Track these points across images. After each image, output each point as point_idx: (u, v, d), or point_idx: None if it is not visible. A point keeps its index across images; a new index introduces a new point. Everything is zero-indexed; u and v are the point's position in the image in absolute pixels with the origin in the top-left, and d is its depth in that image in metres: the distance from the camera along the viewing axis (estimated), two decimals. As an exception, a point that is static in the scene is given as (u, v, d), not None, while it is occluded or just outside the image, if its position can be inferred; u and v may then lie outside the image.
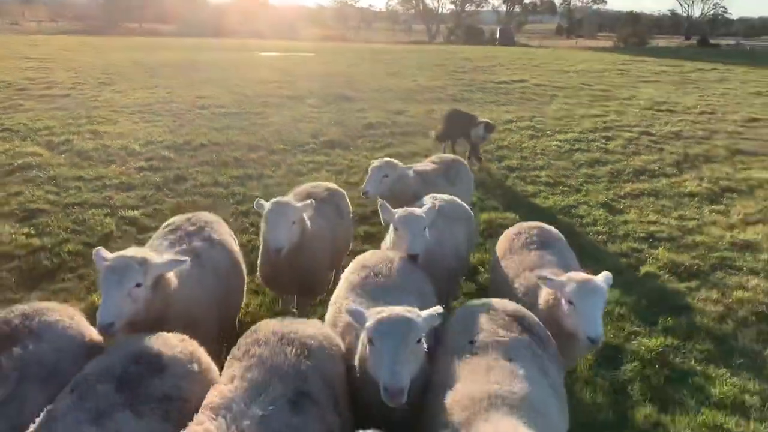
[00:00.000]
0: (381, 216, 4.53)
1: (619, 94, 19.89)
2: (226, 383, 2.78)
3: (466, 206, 5.57)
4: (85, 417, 2.57)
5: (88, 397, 2.67)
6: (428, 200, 5.03)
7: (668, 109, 17.00)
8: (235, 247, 4.72)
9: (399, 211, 4.32)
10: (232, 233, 4.90)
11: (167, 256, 3.60)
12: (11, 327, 3.07)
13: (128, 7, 77.12)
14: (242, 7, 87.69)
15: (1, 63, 22.73)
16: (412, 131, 13.01)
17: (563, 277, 3.57)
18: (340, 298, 3.66)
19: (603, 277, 3.60)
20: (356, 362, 3.00)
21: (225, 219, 7.46)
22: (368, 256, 4.05)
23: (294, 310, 5.33)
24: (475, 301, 3.61)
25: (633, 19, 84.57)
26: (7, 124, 12.31)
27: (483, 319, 3.26)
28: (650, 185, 9.62)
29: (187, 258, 3.63)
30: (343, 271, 4.13)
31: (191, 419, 2.56)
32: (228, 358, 3.06)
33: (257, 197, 7.84)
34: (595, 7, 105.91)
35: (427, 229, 4.27)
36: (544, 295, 3.75)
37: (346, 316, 3.14)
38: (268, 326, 3.15)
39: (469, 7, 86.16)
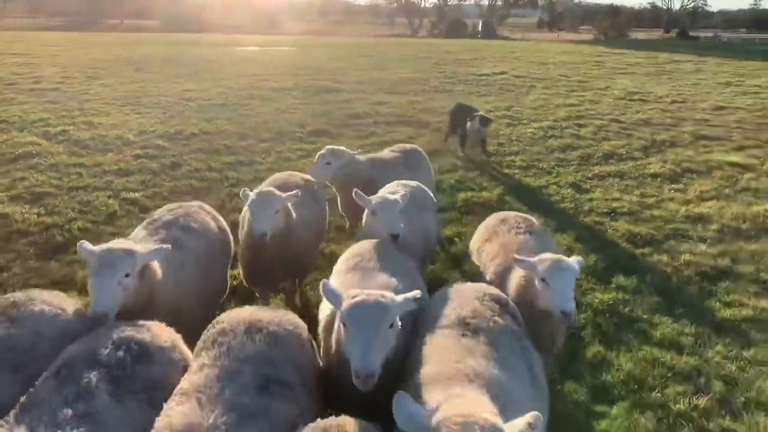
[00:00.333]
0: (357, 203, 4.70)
1: (595, 84, 20.59)
2: (196, 372, 2.84)
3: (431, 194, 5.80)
4: (64, 401, 2.60)
5: (70, 381, 2.70)
6: (393, 187, 5.29)
7: (640, 99, 17.70)
8: (219, 235, 4.87)
9: (374, 198, 4.58)
10: (219, 218, 5.05)
11: (150, 246, 3.74)
12: None
13: (109, 2, 76.46)
14: (223, 2, 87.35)
15: (-14, 59, 22.97)
16: (395, 121, 13.60)
17: (535, 258, 3.73)
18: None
19: (574, 259, 3.77)
20: (333, 342, 3.08)
21: (220, 200, 8.13)
22: (356, 246, 4.23)
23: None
24: (458, 285, 3.71)
25: (613, 12, 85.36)
26: (2, 116, 12.72)
27: (473, 302, 3.33)
28: (616, 168, 10.31)
29: (168, 245, 3.75)
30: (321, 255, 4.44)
31: None
32: (195, 349, 3.11)
33: (250, 180, 8.44)
34: (576, 0, 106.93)
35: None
36: (516, 276, 3.90)
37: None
38: (234, 316, 3.21)
39: (451, 1, 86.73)
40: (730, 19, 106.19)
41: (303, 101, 15.76)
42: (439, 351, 2.93)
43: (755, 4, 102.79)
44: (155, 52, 28.88)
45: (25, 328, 3.19)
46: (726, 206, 8.36)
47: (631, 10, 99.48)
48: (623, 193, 8.95)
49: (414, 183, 5.62)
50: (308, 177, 6.05)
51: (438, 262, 6.53)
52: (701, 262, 6.57)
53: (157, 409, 2.67)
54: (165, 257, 3.77)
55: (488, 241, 4.68)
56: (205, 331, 3.18)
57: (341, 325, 2.93)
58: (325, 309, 3.49)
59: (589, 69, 25.82)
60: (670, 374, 4.62)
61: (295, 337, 3.16)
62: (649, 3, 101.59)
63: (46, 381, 2.74)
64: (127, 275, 3.42)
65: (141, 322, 3.26)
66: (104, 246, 3.51)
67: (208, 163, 9.90)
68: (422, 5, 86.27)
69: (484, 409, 2.35)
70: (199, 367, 2.86)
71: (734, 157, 10.98)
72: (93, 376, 2.73)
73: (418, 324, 3.32)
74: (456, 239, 7.17)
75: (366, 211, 4.67)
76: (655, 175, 9.90)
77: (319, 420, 2.62)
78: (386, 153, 7.16)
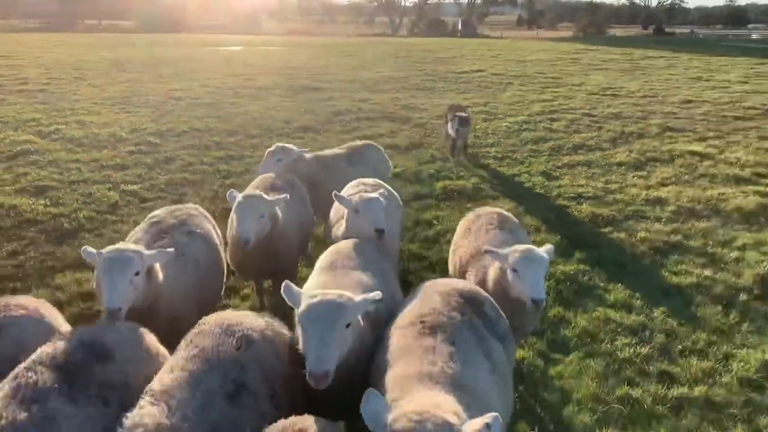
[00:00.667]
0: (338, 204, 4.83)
1: (570, 80, 21.33)
2: (168, 372, 2.87)
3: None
4: (18, 403, 2.62)
5: (26, 383, 2.71)
6: (354, 186, 5.42)
7: (613, 94, 18.46)
8: (216, 240, 4.90)
9: (354, 197, 4.65)
10: (215, 224, 5.08)
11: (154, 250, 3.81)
12: None
13: (83, 3, 75.66)
14: (201, 2, 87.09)
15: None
16: (377, 117, 14.20)
17: (508, 249, 3.86)
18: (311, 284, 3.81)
19: (545, 248, 3.91)
20: (299, 344, 3.08)
21: (214, 190, 8.67)
22: (335, 245, 4.35)
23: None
24: (431, 282, 3.74)
25: (592, 9, 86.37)
26: (-4, 117, 13.12)
27: (436, 299, 3.36)
28: (585, 157, 11.00)
29: (172, 249, 3.83)
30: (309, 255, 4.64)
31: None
32: (177, 347, 3.15)
33: (241, 173, 8.98)
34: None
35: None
36: (493, 268, 4.03)
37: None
38: (215, 318, 3.26)
39: (431, 0, 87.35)
40: (706, 15, 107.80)
41: (288, 99, 16.31)
42: (401, 351, 2.98)
43: (730, 1, 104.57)
44: (138, 52, 29.22)
45: (8, 336, 3.25)
46: (683, 190, 9.06)
47: (610, 7, 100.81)
48: (590, 180, 9.63)
49: (371, 180, 5.69)
50: (294, 178, 6.06)
51: (417, 242, 7.13)
52: (655, 239, 7.26)
53: (113, 409, 2.75)
54: (168, 261, 3.85)
55: (465, 237, 4.79)
56: (191, 329, 3.23)
57: (298, 326, 3.02)
58: None
59: (565, 66, 26.62)
60: (619, 329, 5.28)
61: (270, 343, 3.15)
62: (627, 0, 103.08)
63: (5, 384, 2.75)
64: (137, 273, 3.50)
65: (108, 322, 3.33)
66: (112, 247, 3.59)
67: (200, 157, 10.42)
68: (402, 4, 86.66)
69: (442, 407, 2.41)
70: (171, 367, 2.89)
71: (696, 147, 11.71)
72: (48, 378, 2.76)
73: (388, 323, 3.36)
74: (434, 221, 7.80)
75: (347, 212, 4.69)
76: (620, 164, 10.59)
77: (281, 420, 2.67)
78: (332, 150, 7.25)
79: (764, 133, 13.10)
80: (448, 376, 2.73)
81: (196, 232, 4.55)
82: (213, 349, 2.95)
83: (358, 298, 3.04)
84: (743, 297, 5.89)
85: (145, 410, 2.59)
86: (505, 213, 5.05)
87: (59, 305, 5.25)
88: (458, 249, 4.77)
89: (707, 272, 6.40)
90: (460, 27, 66.11)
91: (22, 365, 2.86)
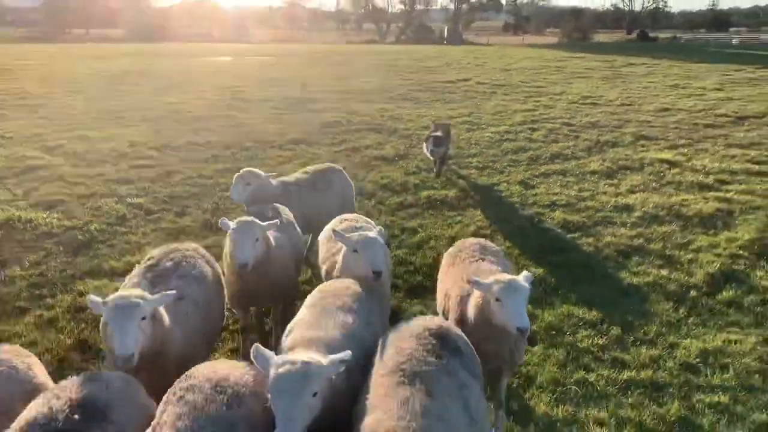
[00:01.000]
0: (337, 241, 4.81)
1: (552, 89, 22.12)
2: (159, 428, 2.89)
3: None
4: None
5: None
6: (336, 222, 5.53)
7: (592, 102, 19.24)
8: (214, 278, 4.90)
9: (354, 236, 4.62)
10: (211, 260, 5.05)
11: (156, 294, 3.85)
12: None
13: (72, 12, 75.52)
14: (190, 10, 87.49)
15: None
16: (365, 128, 14.89)
17: (490, 279, 3.95)
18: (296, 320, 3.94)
19: (524, 277, 4.00)
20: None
21: (215, 203, 9.29)
22: (326, 284, 4.48)
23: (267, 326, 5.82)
24: (403, 324, 3.74)
25: (576, 14, 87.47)
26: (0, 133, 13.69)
27: (410, 344, 3.39)
28: (561, 166, 11.73)
29: (173, 291, 3.88)
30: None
31: None
32: (162, 401, 3.10)
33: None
34: (541, 3, 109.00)
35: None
36: (475, 296, 4.11)
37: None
38: (202, 372, 3.23)
39: (418, 6, 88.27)
40: (690, 20, 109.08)
41: (280, 111, 17.01)
42: (379, 401, 3.01)
43: (713, 5, 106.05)
44: (131, 64, 29.85)
45: None
46: (650, 197, 9.79)
47: (595, 12, 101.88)
48: (564, 188, 10.35)
49: (353, 216, 5.84)
50: (283, 207, 6.10)
51: (403, 248, 7.81)
52: (619, 242, 7.98)
53: None
54: (171, 306, 3.93)
55: (450, 268, 4.91)
56: (176, 382, 3.20)
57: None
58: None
59: (549, 74, 27.43)
60: (580, 323, 5.98)
61: (258, 397, 3.15)
62: (611, 5, 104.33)
63: None
64: (143, 318, 3.56)
65: (99, 374, 3.37)
66: (116, 294, 3.67)
67: (199, 171, 11.05)
68: (389, 11, 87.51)
69: None
70: (161, 424, 2.90)
71: (666, 155, 12.47)
72: None
73: (369, 365, 3.40)
74: (419, 229, 8.49)
75: (344, 249, 4.68)
76: (593, 172, 11.32)
77: None
78: (296, 175, 7.33)
79: (732, 140, 13.89)
80: (425, 430, 2.80)
81: (191, 274, 4.54)
82: (205, 407, 2.95)
83: (326, 360, 3.11)
84: (693, 294, 6.62)
85: None
86: (488, 243, 5.19)
87: (82, 310, 5.91)
88: (444, 280, 4.90)
89: (663, 272, 7.12)
90: (445, 35, 66.95)
91: (13, 429, 2.84)
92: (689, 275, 7.04)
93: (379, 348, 3.49)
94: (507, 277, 3.97)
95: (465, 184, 10.81)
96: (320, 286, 4.39)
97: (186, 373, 3.26)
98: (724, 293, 6.60)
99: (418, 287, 6.84)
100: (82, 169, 10.96)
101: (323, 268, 5.15)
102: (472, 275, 4.15)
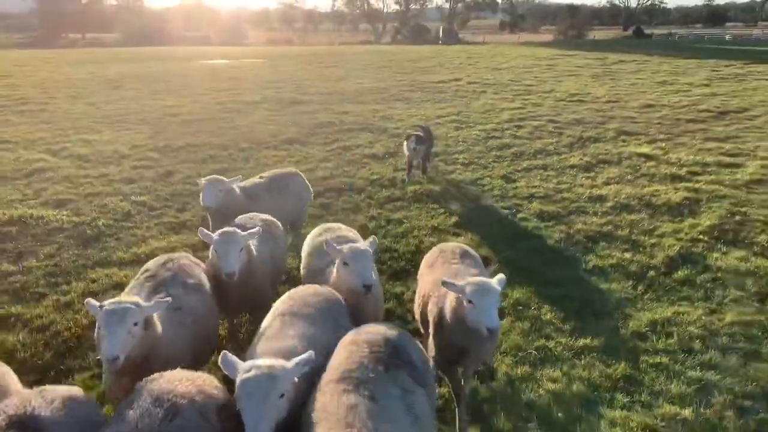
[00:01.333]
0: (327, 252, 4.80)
1: (541, 87, 22.68)
2: None
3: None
4: None
5: None
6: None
7: (579, 100, 19.80)
8: (208, 286, 4.99)
9: (345, 247, 4.58)
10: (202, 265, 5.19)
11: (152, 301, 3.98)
12: None
13: (67, 17, 75.73)
14: (185, 13, 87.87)
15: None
16: (357, 128, 15.49)
17: (463, 282, 4.11)
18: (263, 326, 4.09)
19: (497, 280, 4.14)
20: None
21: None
22: (295, 290, 4.51)
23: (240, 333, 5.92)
24: (353, 334, 3.79)
25: (572, 11, 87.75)
26: (4, 137, 14.28)
27: (364, 351, 3.48)
28: (542, 161, 12.33)
29: (168, 298, 4.03)
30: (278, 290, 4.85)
31: None
32: (118, 406, 3.22)
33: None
34: (537, 1, 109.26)
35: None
36: (450, 298, 4.28)
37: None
38: (154, 383, 3.29)
39: (413, 6, 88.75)
40: (686, 15, 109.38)
41: (274, 113, 17.63)
42: (325, 408, 3.08)
43: (708, 1, 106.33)
44: (129, 69, 30.49)
45: None
46: (623, 189, 10.39)
47: (591, 9, 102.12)
48: (543, 181, 10.95)
49: (335, 225, 5.91)
50: (265, 217, 6.13)
51: (389, 237, 8.41)
52: (589, 229, 8.59)
53: None
54: (164, 314, 4.07)
55: (428, 270, 5.11)
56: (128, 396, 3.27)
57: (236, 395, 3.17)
58: None
59: (540, 72, 27.97)
60: (546, 300, 6.59)
61: (197, 410, 3.19)
62: (608, 1, 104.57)
63: None
64: (135, 324, 3.71)
65: (47, 391, 3.36)
66: (113, 300, 3.81)
67: (198, 171, 11.63)
68: (385, 11, 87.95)
69: None
70: None
71: (644, 149, 13.06)
72: None
73: (322, 372, 3.45)
74: (404, 220, 9.11)
75: (338, 261, 4.64)
76: (573, 166, 11.91)
77: None
78: (253, 180, 7.53)
79: (711, 134, 14.48)
80: None
81: (189, 283, 4.69)
82: (140, 421, 2.99)
83: (291, 364, 3.23)
84: (651, 273, 7.23)
85: None
86: (466, 247, 5.38)
87: (95, 295, 6.50)
88: (422, 281, 5.11)
89: (627, 255, 7.73)
90: (441, 34, 67.49)
91: None
92: (651, 257, 7.65)
93: (335, 352, 3.60)
94: (479, 279, 4.13)
95: (449, 178, 11.41)
96: (289, 293, 4.48)
97: (138, 383, 3.35)
98: (679, 272, 7.22)
99: (401, 271, 7.45)
100: (86, 171, 11.56)
101: (312, 276, 5.21)
102: (447, 278, 4.27)
